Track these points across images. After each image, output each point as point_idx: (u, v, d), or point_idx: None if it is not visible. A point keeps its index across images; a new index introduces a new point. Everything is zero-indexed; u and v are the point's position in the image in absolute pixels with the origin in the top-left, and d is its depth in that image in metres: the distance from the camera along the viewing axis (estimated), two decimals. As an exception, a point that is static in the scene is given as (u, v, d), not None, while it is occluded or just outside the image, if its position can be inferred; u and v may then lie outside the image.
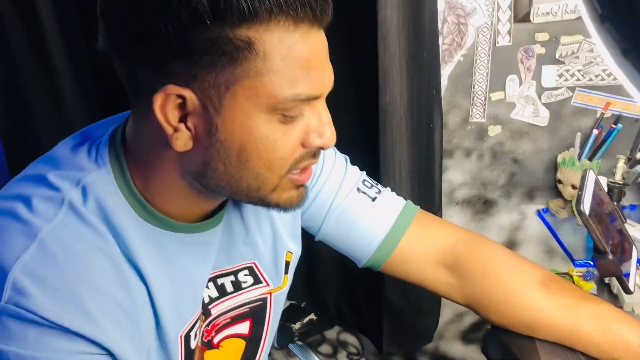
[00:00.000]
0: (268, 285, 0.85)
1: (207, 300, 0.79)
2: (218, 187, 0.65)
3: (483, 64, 1.44)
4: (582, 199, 0.78)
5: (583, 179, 0.81)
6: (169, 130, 0.61)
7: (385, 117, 1.23)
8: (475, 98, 1.48)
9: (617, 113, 1.45)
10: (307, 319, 1.25)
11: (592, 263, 1.31)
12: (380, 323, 1.50)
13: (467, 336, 1.77)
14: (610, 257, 0.79)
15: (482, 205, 1.60)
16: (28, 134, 1.31)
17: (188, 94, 0.59)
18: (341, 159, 0.92)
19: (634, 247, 0.89)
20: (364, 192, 0.90)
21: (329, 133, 0.65)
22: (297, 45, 0.59)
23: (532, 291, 0.82)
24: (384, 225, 0.88)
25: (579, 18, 1.40)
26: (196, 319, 0.75)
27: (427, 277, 0.89)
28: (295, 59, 0.59)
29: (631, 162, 0.96)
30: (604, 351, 0.77)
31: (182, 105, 0.60)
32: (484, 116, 1.50)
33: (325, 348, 1.81)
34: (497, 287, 0.84)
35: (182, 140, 0.62)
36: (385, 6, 1.15)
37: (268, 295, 0.86)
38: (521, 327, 0.83)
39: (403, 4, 1.16)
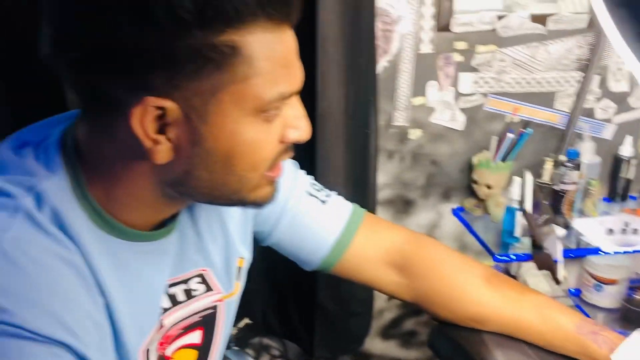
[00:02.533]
0: (220, 292, 0.84)
1: (160, 311, 0.76)
2: (198, 194, 0.64)
3: (407, 70, 1.50)
4: (524, 199, 0.84)
5: (522, 180, 0.87)
6: (147, 143, 0.58)
7: (322, 122, 1.24)
8: (398, 102, 1.54)
9: (526, 118, 1.57)
10: (242, 323, 1.23)
11: (511, 257, 1.41)
12: (311, 329, 1.52)
13: (386, 332, 1.83)
14: (547, 251, 0.86)
15: (403, 205, 1.67)
16: None
17: (169, 104, 0.56)
18: (290, 163, 0.92)
19: (557, 242, 0.98)
20: (314, 196, 0.90)
21: (305, 126, 0.65)
22: (276, 45, 0.59)
23: (478, 286, 0.87)
24: (335, 228, 0.89)
25: (494, 30, 1.50)
26: (155, 329, 0.73)
27: (377, 277, 0.91)
28: (277, 59, 0.59)
29: (557, 164, 1.06)
30: (546, 339, 0.83)
31: (161, 116, 0.57)
32: (406, 120, 1.56)
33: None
34: (445, 284, 0.88)
35: (162, 152, 0.59)
36: (325, 10, 1.16)
37: (219, 303, 0.85)
38: (469, 322, 0.88)
39: (342, 8, 1.17)
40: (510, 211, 1.44)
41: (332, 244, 0.89)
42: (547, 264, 0.87)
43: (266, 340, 1.77)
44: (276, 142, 0.64)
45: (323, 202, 0.90)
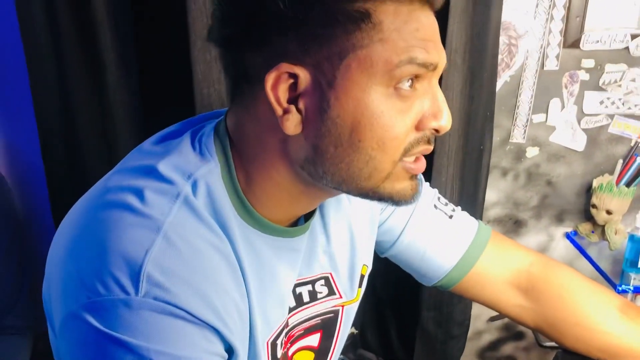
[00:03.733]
0: (341, 297, 0.84)
1: (288, 309, 0.78)
2: (327, 175, 0.62)
3: (529, 86, 1.46)
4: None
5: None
6: (279, 110, 0.59)
7: (443, 136, 1.22)
8: (517, 119, 1.49)
9: (654, 142, 1.49)
10: (349, 332, 1.23)
11: (632, 289, 1.34)
12: (411, 349, 1.49)
13: (483, 354, 1.78)
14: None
15: (512, 225, 1.62)
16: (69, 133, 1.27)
17: (300, 71, 0.58)
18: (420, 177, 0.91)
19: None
20: (440, 210, 0.89)
21: (446, 114, 0.62)
22: (411, 17, 0.58)
23: (611, 316, 0.83)
24: (462, 245, 0.87)
25: (626, 48, 1.43)
26: (282, 327, 0.74)
27: (500, 299, 0.89)
28: (409, 30, 0.58)
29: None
30: None
31: (294, 86, 0.59)
32: (523, 137, 1.51)
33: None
34: (575, 311, 0.84)
35: (292, 122, 0.60)
36: (453, 20, 1.15)
37: (340, 308, 0.85)
38: (598, 353, 0.83)
39: (469, 19, 1.16)
40: (634, 240, 1.36)
41: (458, 261, 0.87)
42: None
43: (365, 354, 1.77)
44: (410, 126, 0.61)
45: (450, 216, 0.89)
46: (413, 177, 0.65)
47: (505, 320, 1.71)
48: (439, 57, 0.61)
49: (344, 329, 0.86)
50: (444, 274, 0.88)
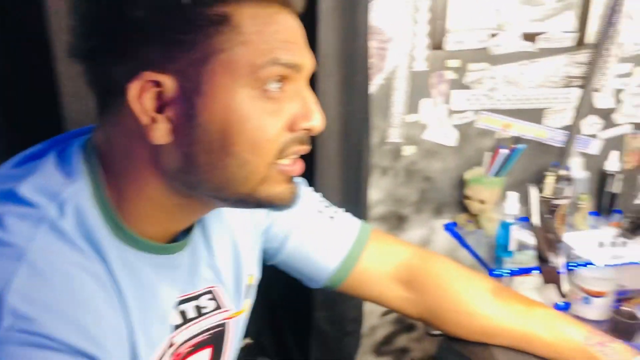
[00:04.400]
0: (228, 310, 0.83)
1: (171, 328, 0.75)
2: (201, 183, 0.62)
3: (401, 88, 1.52)
4: (531, 213, 0.85)
5: (527, 194, 0.89)
6: (144, 120, 0.59)
7: (322, 140, 1.25)
8: (392, 120, 1.55)
9: (516, 135, 1.61)
10: (243, 343, 1.21)
11: (507, 272, 1.43)
12: (306, 350, 1.50)
13: (379, 349, 1.83)
14: (554, 265, 0.87)
15: (396, 221, 1.68)
16: None
17: (165, 78, 0.58)
18: (299, 181, 0.92)
19: (561, 256, 0.99)
20: (323, 213, 0.91)
21: (317, 114, 0.63)
22: (271, 20, 0.59)
23: (487, 300, 0.88)
24: (344, 245, 0.90)
25: (486, 48, 1.54)
26: (165, 346, 0.72)
27: (384, 293, 0.92)
28: (270, 32, 0.59)
29: (558, 179, 1.08)
30: (554, 351, 0.84)
31: (159, 95, 0.59)
32: (399, 137, 1.58)
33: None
34: (453, 298, 0.89)
35: (161, 131, 0.59)
36: (325, 26, 1.17)
37: (228, 321, 0.84)
38: (478, 336, 0.88)
39: (339, 25, 1.19)
40: (504, 226, 1.46)
41: (341, 261, 0.89)
42: (553, 277, 0.88)
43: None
44: (282, 127, 0.61)
45: (332, 218, 0.91)
46: (290, 180, 0.65)
47: (397, 313, 1.77)
48: (304, 58, 0.62)
49: (233, 342, 0.85)
50: (330, 275, 0.89)
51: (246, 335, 1.54)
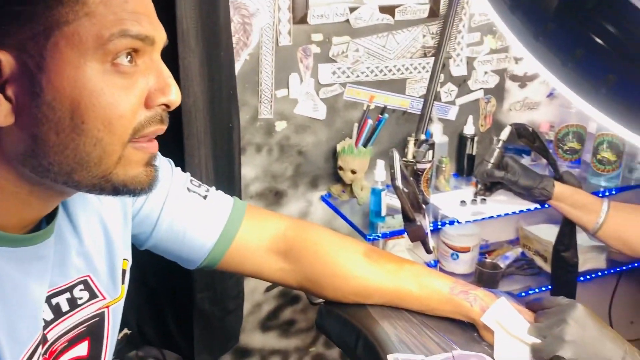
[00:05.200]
0: (105, 298, 0.80)
1: (42, 324, 0.71)
2: (52, 166, 0.58)
3: (268, 63, 1.52)
4: (395, 176, 0.90)
5: (391, 159, 0.93)
6: None
7: (188, 118, 1.21)
8: (262, 96, 1.55)
9: (381, 105, 1.67)
10: (120, 334, 1.17)
11: (379, 236, 1.50)
12: (190, 334, 1.48)
13: (265, 324, 1.85)
14: (419, 223, 0.92)
15: (274, 197, 1.69)
16: None
17: (1, 55, 0.54)
18: (165, 161, 0.90)
19: (426, 216, 1.06)
20: (194, 192, 0.89)
21: (173, 89, 0.61)
22: None
23: (359, 262, 0.92)
24: (219, 222, 0.89)
25: (347, 21, 1.57)
26: (36, 343, 0.67)
27: (263, 266, 0.93)
28: (118, 3, 0.57)
29: (418, 143, 1.14)
30: (425, 304, 0.90)
31: None
32: (271, 113, 1.58)
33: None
34: (327, 264, 0.92)
35: (1, 112, 0.55)
36: (183, 3, 1.13)
37: (105, 310, 0.81)
38: (354, 297, 0.92)
39: (199, 1, 1.16)
40: (375, 192, 1.53)
41: (217, 239, 0.88)
42: (419, 236, 0.93)
43: (143, 352, 1.70)
44: (137, 103, 0.59)
45: (204, 197, 0.89)
46: (148, 162, 0.63)
47: (280, 288, 1.79)
48: (155, 31, 0.60)
49: (114, 330, 0.82)
50: (206, 253, 0.88)
51: (125, 326, 1.49)
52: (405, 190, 0.93)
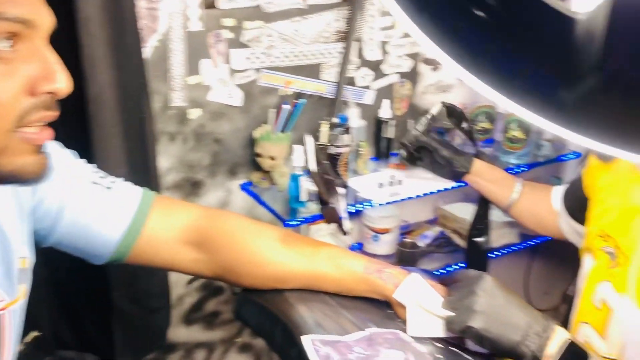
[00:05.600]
0: (2, 299, 0.75)
1: None
2: None
3: (178, 49, 1.47)
4: (308, 160, 0.89)
5: (304, 143, 0.93)
6: None
7: (95, 108, 1.16)
8: (173, 83, 1.51)
9: (298, 90, 1.66)
10: (29, 337, 1.11)
11: (299, 221, 1.50)
12: (110, 335, 1.43)
13: (189, 318, 1.81)
14: (333, 206, 0.93)
15: (191, 187, 1.65)
16: None
17: None
18: (67, 153, 0.86)
19: (342, 198, 1.07)
20: (98, 183, 0.86)
21: (61, 75, 0.59)
22: None
23: (274, 248, 0.91)
24: (126, 214, 0.86)
25: (258, 6, 1.55)
26: None
27: (175, 258, 0.91)
28: None
29: (331, 126, 1.13)
30: (341, 285, 0.90)
31: None
32: (184, 100, 1.54)
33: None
34: (243, 251, 0.91)
35: None
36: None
37: (2, 312, 0.76)
38: (271, 283, 0.92)
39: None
40: (294, 178, 1.52)
41: (124, 231, 0.85)
42: (333, 218, 0.94)
43: (57, 357, 1.63)
44: (19, 91, 0.56)
45: (109, 188, 0.86)
46: (37, 151, 0.60)
47: (203, 279, 1.76)
48: (39, 15, 0.57)
49: (14, 333, 0.77)
50: (114, 247, 0.85)
51: (34, 329, 1.42)
52: (320, 174, 0.93)
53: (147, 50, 1.43)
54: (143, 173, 1.34)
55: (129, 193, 0.88)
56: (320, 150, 1.14)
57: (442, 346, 0.80)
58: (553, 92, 0.33)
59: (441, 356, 0.78)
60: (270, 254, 0.90)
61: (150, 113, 1.33)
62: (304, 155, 1.24)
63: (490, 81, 0.36)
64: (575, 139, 0.35)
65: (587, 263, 1.07)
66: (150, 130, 1.33)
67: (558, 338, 0.76)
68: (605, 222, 1.05)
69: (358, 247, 1.93)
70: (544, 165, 1.90)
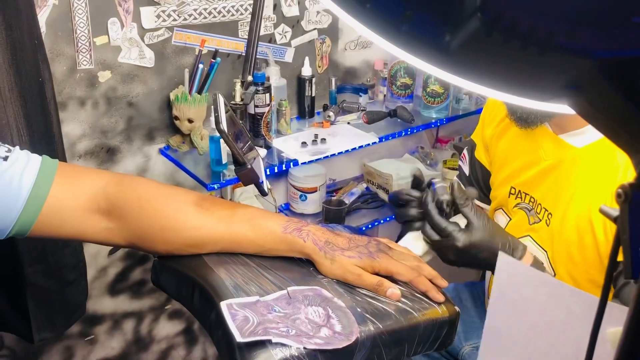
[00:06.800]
0: None
1: None
2: None
3: (81, 8, 1.38)
4: (219, 120, 0.86)
5: (215, 102, 0.89)
6: None
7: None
8: (79, 44, 1.42)
9: (213, 49, 1.61)
10: None
11: (221, 183, 1.47)
12: (25, 312, 1.37)
13: (114, 288, 1.76)
14: (249, 166, 0.90)
15: (106, 154, 1.58)
16: None
17: None
18: None
19: (259, 158, 1.04)
20: None
21: None
22: None
23: (189, 212, 0.88)
24: (25, 184, 0.81)
25: (166, -41, 1.47)
26: None
27: (83, 228, 0.86)
28: None
29: (245, 85, 1.09)
30: (260, 246, 0.89)
31: None
32: (91, 62, 1.45)
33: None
34: (157, 217, 0.88)
35: None
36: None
37: None
38: (187, 248, 0.89)
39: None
40: (214, 140, 1.48)
41: (24, 203, 0.80)
42: (251, 179, 0.91)
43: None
44: None
45: (4, 158, 0.80)
46: None
47: (126, 249, 1.71)
48: None
49: None
50: (14, 221, 0.80)
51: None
52: (233, 133, 0.90)
53: (46, 10, 1.33)
54: (47, 141, 1.26)
55: (27, 162, 0.82)
56: (235, 109, 1.10)
57: (360, 299, 0.81)
58: (438, 37, 0.32)
59: (359, 309, 0.78)
60: (184, 218, 0.87)
61: (50, 76, 1.25)
62: (215, 115, 1.19)
63: (378, 28, 0.34)
64: (462, 84, 0.34)
65: (501, 220, 1.12)
66: (52, 95, 1.24)
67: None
68: (518, 181, 1.09)
69: (286, 208, 1.92)
70: (463, 118, 1.93)
